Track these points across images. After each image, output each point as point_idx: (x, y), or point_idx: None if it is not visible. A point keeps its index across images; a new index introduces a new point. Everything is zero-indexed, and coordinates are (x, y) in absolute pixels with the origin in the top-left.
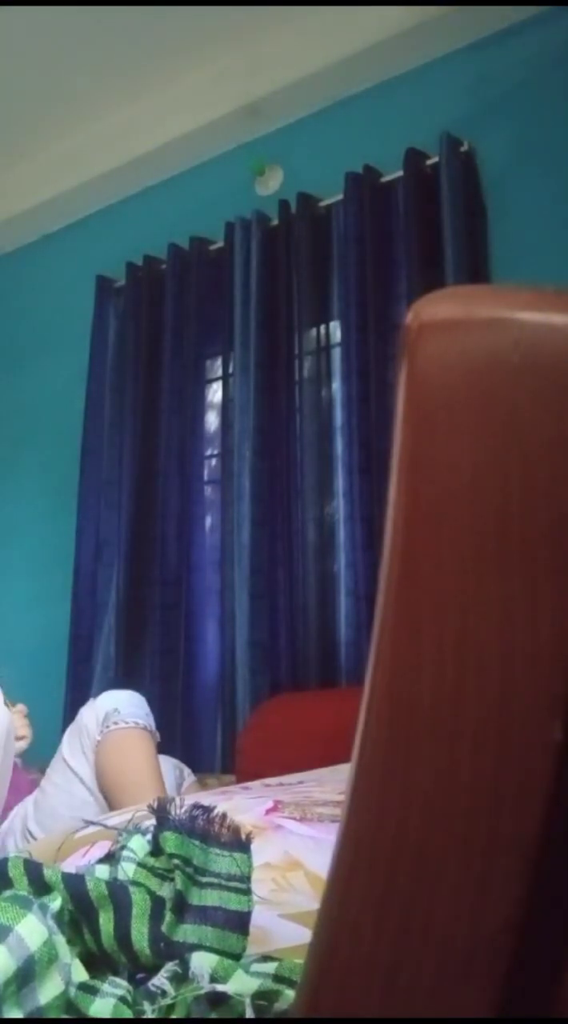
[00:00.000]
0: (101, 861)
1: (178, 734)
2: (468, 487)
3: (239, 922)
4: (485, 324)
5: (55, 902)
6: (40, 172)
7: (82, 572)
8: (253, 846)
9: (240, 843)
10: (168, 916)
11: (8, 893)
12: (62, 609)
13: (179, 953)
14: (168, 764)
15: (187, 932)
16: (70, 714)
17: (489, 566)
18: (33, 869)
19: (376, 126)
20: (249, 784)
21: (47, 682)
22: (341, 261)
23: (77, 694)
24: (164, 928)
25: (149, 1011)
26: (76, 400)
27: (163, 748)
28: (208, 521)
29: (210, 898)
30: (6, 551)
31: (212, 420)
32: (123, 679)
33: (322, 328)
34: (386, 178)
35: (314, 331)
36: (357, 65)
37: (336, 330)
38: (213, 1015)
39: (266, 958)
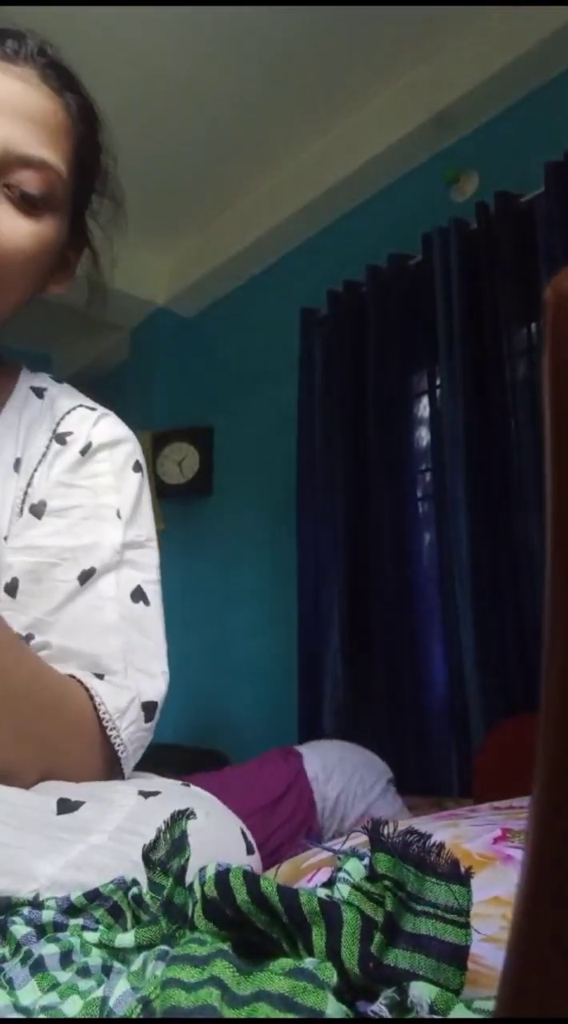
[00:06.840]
0: (323, 886)
1: (411, 756)
2: None
3: (455, 956)
4: None
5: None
6: (242, 217)
7: (305, 595)
8: (482, 878)
9: (459, 875)
10: (377, 937)
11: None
12: (290, 631)
13: (390, 977)
14: None
15: (398, 957)
16: (303, 731)
17: None
18: (251, 879)
19: None
20: (476, 807)
21: (280, 700)
22: (547, 253)
23: (309, 711)
24: (373, 948)
25: None
26: (289, 431)
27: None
28: (426, 538)
29: (425, 926)
30: (236, 579)
31: (422, 435)
32: (351, 699)
33: (532, 326)
34: None
35: (524, 330)
36: (543, 55)
37: None
38: None
39: (493, 998)
